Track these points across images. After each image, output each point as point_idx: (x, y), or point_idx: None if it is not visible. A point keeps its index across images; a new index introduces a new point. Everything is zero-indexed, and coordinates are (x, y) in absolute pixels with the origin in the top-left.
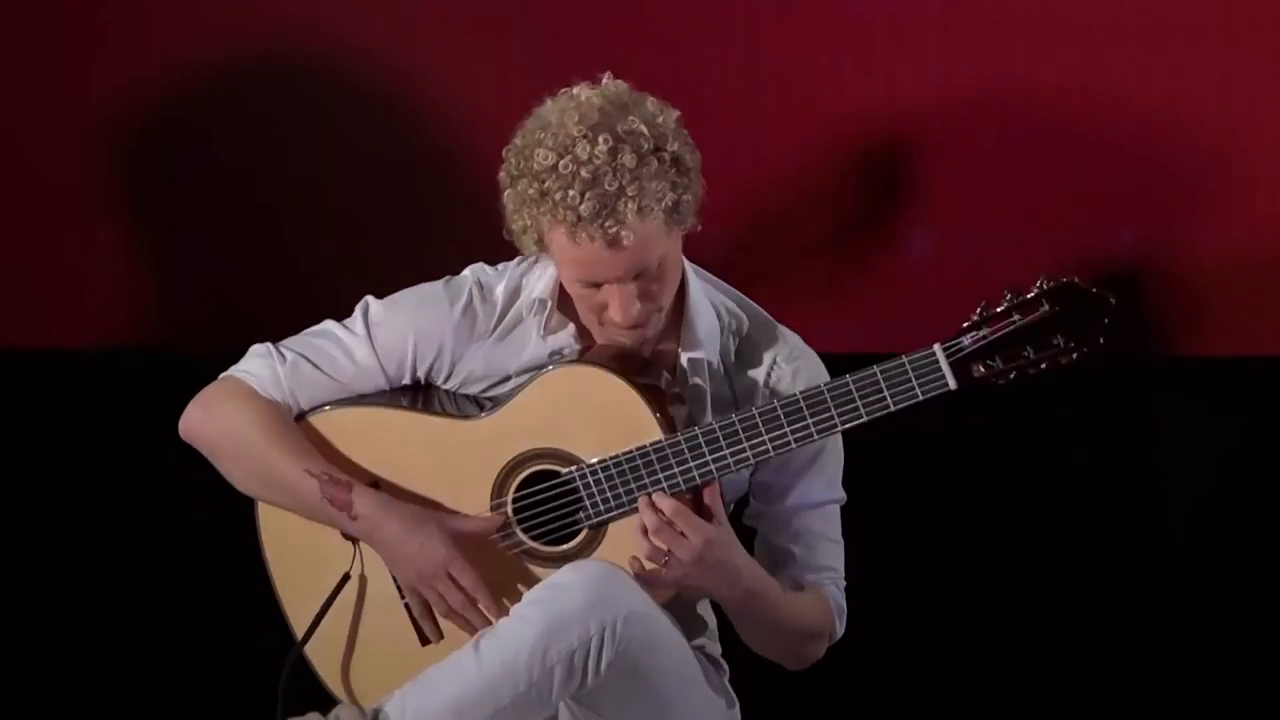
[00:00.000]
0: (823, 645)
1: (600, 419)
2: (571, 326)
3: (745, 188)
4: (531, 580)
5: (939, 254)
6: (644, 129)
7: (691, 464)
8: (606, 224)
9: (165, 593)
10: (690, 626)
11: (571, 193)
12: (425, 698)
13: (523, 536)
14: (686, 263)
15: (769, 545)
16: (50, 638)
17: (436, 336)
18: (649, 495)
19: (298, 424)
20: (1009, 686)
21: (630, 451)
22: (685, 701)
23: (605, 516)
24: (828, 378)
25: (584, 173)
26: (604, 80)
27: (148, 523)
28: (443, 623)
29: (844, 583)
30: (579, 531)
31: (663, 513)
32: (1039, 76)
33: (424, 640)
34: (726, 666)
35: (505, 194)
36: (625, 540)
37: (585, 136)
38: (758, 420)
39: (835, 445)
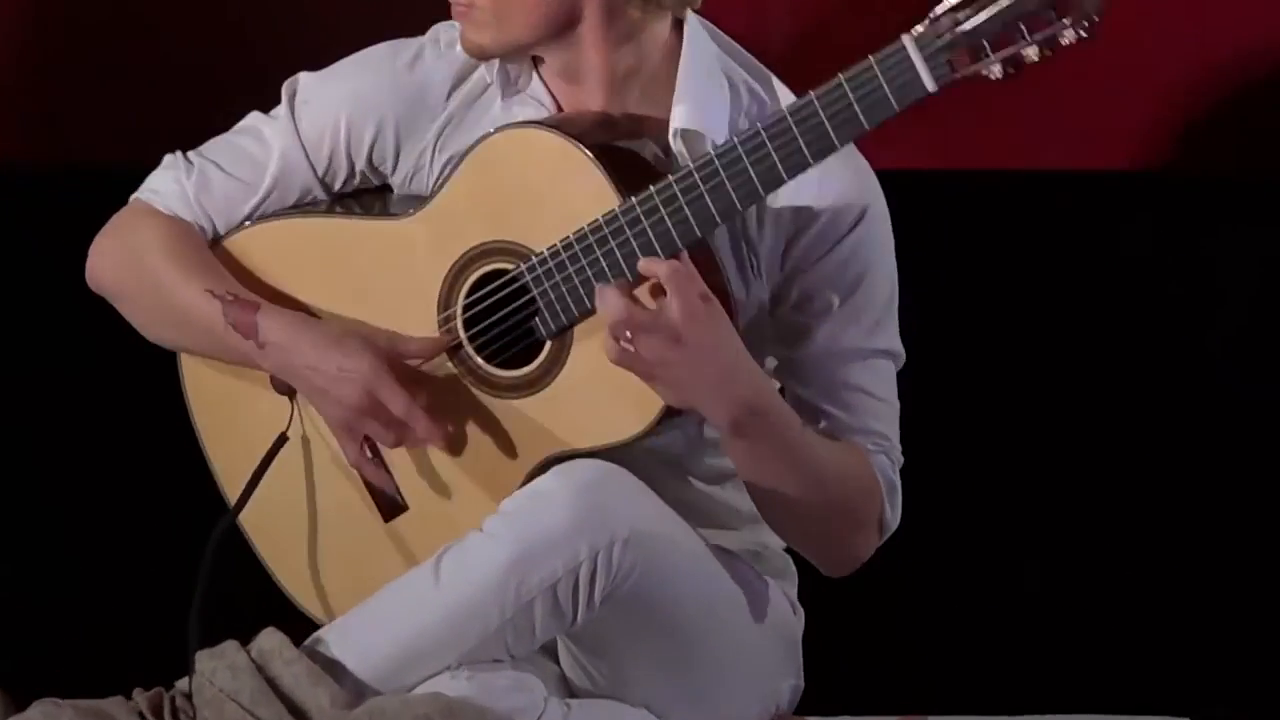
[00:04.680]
0: (871, 535)
1: (551, 195)
2: (538, 84)
3: None
4: (492, 421)
5: None
6: None
7: (651, 234)
8: None
9: (73, 468)
10: (725, 514)
11: None
12: (372, 631)
13: (478, 360)
14: (700, 22)
15: (798, 403)
16: None
17: (374, 106)
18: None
19: (213, 248)
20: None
21: (581, 230)
22: (717, 637)
23: (565, 321)
24: (869, 195)
25: None
26: None
27: (52, 374)
28: (409, 488)
29: (900, 457)
30: (542, 347)
31: (623, 292)
32: None
33: (387, 514)
34: (793, 569)
35: None
36: (596, 354)
37: None
38: (717, 165)
39: (878, 282)
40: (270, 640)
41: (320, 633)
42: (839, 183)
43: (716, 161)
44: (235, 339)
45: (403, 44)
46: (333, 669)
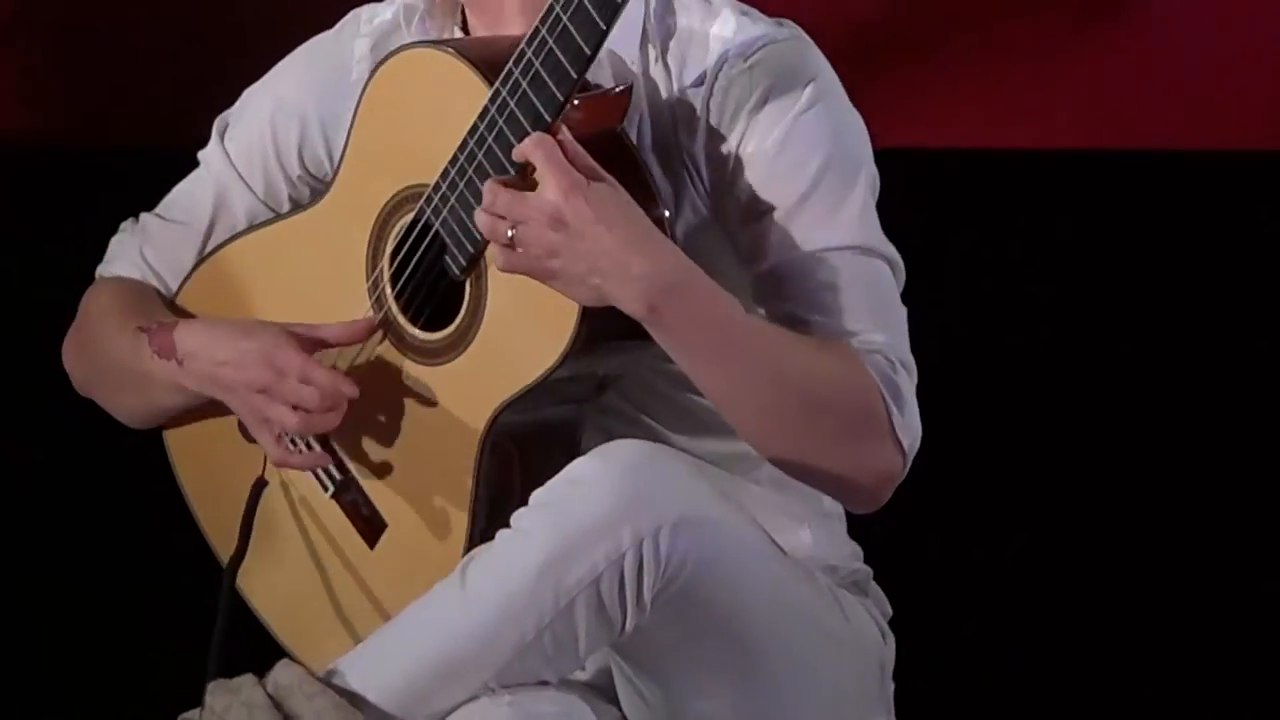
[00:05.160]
0: (884, 446)
1: (437, 116)
2: (455, 31)
3: None
4: (439, 394)
5: None
6: None
7: (519, 114)
8: None
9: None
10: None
11: None
12: (396, 655)
13: (414, 331)
14: None
15: (775, 318)
16: None
17: (294, 105)
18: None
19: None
20: None
21: (462, 138)
22: (788, 652)
23: (471, 250)
24: (804, 79)
25: None
26: None
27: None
28: (378, 500)
29: (906, 365)
30: (462, 293)
31: (500, 186)
32: None
33: (370, 537)
34: (875, 587)
35: None
36: (509, 279)
37: None
38: (556, 9)
39: (835, 162)
40: (288, 674)
41: (339, 662)
42: (778, 61)
43: (557, 5)
44: (163, 368)
45: (322, 35)
46: (356, 701)
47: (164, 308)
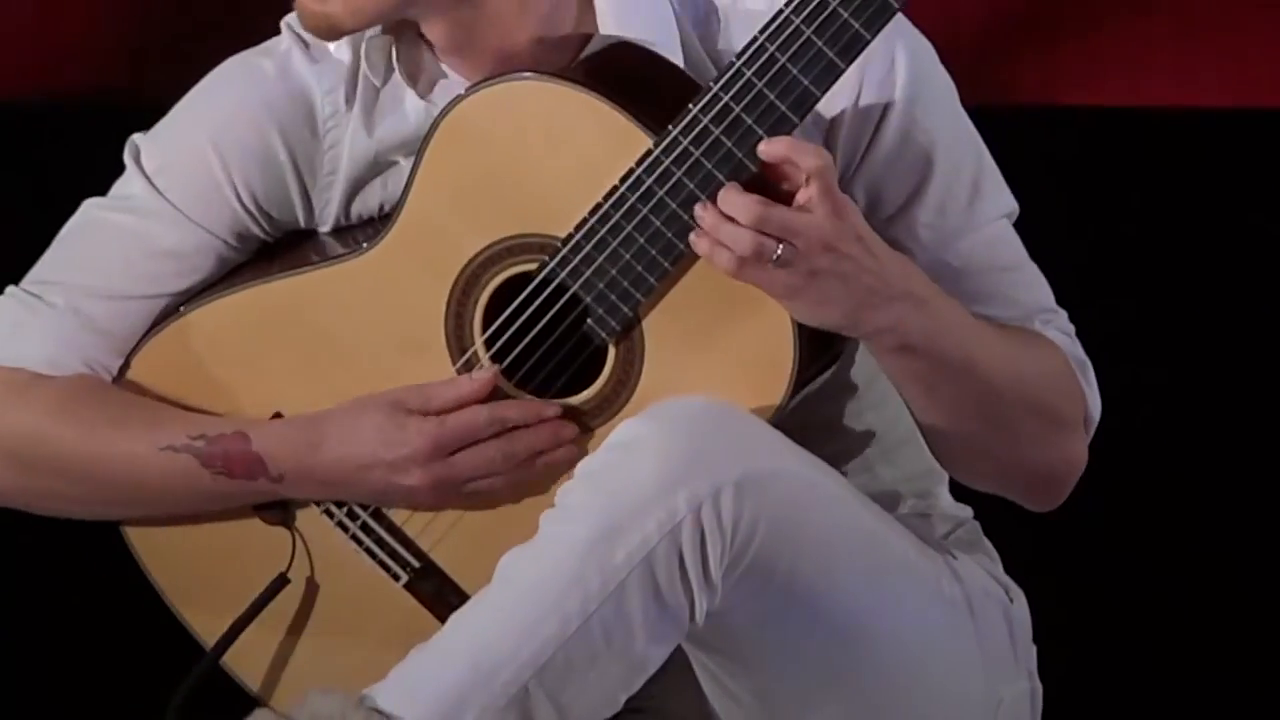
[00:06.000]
0: (1079, 435)
1: (557, 158)
2: (445, 71)
3: None
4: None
5: None
6: None
7: (709, 163)
8: None
9: None
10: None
11: None
12: (426, 666)
13: (523, 393)
14: None
15: None
16: None
17: (248, 136)
18: (704, 204)
19: (124, 384)
20: None
21: (614, 189)
22: (894, 624)
23: (628, 311)
24: (898, 37)
25: None
26: None
27: None
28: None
29: (1068, 324)
30: (603, 354)
31: (747, 205)
32: None
33: (442, 615)
34: (987, 543)
35: None
36: (681, 338)
37: None
38: (770, 49)
39: (955, 141)
40: (327, 703)
41: (373, 687)
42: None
43: (768, 44)
44: (233, 485)
45: (257, 52)
46: None
47: (161, 406)
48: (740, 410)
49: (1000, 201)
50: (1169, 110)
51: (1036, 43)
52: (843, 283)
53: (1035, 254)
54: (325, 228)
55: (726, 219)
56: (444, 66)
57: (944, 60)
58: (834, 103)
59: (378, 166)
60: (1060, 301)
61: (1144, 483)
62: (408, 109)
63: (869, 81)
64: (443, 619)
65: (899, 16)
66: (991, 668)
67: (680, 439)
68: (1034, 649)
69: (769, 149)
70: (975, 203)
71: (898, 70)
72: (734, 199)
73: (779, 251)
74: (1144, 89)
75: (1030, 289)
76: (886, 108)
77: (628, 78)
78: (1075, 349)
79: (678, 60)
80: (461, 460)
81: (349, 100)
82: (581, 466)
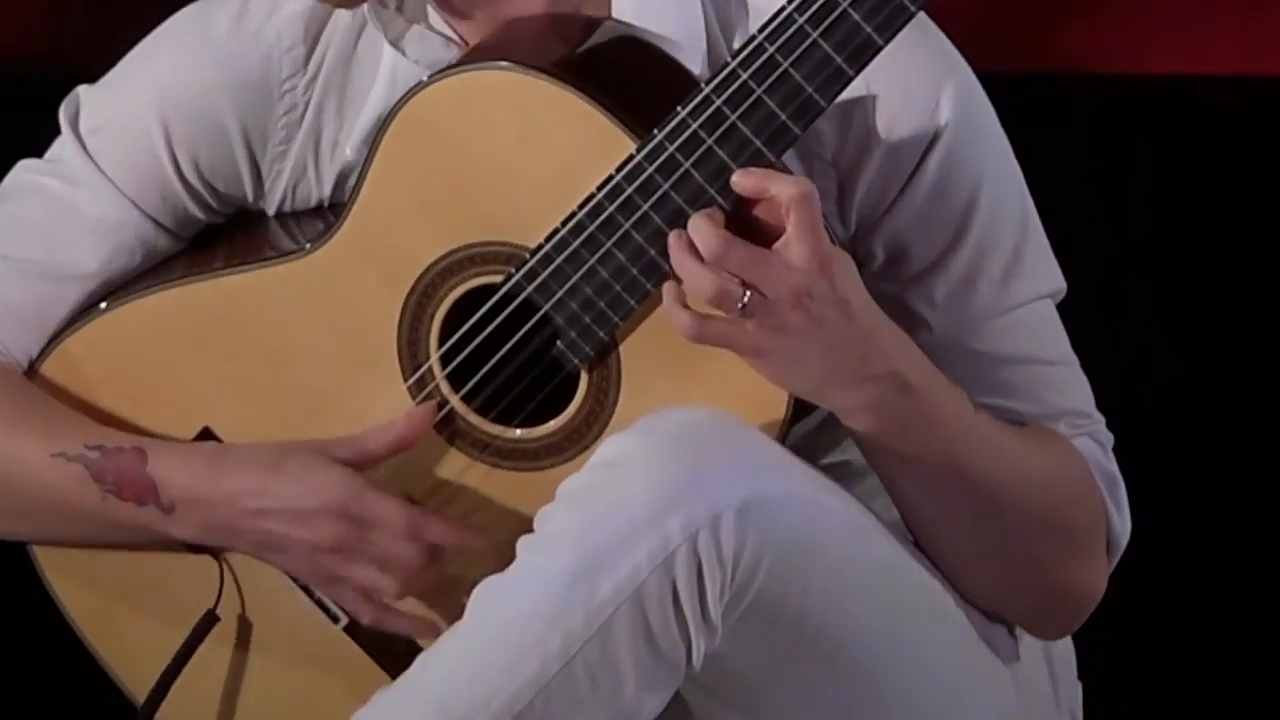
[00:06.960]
0: (1100, 559)
1: (529, 160)
2: (433, 16)
3: None
4: (529, 504)
5: None
6: None
7: (699, 175)
8: None
9: None
10: None
11: None
12: (393, 712)
13: (484, 426)
14: None
15: None
16: None
17: (195, 101)
18: (676, 233)
19: (35, 379)
20: None
21: (590, 196)
22: (918, 668)
23: (602, 335)
24: (948, 73)
25: None
26: None
27: None
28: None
29: (1108, 434)
30: (575, 379)
31: (709, 240)
32: None
33: (383, 661)
34: None
35: None
36: (663, 368)
37: None
38: (770, 50)
39: (998, 200)
40: None
41: None
42: (900, 71)
43: (768, 44)
44: (123, 510)
45: (208, 18)
46: None
47: (66, 411)
48: (743, 424)
49: (1044, 279)
50: (1226, 79)
51: (1081, 8)
52: (812, 347)
53: (1074, 228)
54: (273, 207)
55: (693, 252)
56: (442, 26)
57: (984, 29)
58: (862, 140)
59: (333, 142)
60: (1098, 278)
61: (1155, 475)
62: (386, 59)
63: (907, 119)
64: (384, 665)
65: (951, 50)
66: (1030, 710)
67: (675, 456)
68: (1079, 687)
69: (741, 182)
70: (1012, 277)
71: (942, 110)
72: (701, 227)
73: (744, 299)
74: (1200, 57)
75: (1064, 390)
76: (926, 153)
77: (626, 78)
78: (1107, 462)
79: (696, 64)
80: (373, 539)
81: (311, 54)
82: (563, 487)
